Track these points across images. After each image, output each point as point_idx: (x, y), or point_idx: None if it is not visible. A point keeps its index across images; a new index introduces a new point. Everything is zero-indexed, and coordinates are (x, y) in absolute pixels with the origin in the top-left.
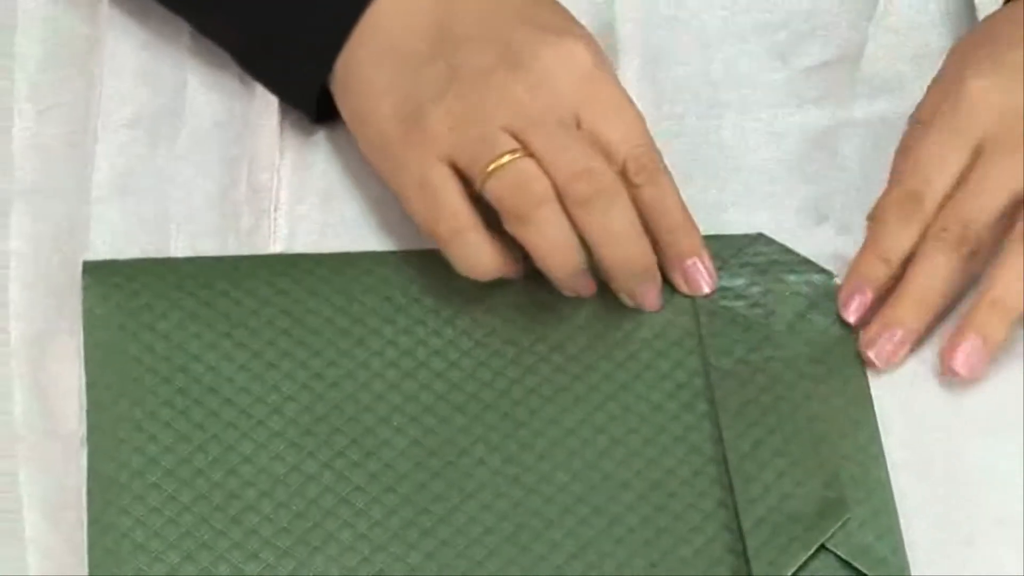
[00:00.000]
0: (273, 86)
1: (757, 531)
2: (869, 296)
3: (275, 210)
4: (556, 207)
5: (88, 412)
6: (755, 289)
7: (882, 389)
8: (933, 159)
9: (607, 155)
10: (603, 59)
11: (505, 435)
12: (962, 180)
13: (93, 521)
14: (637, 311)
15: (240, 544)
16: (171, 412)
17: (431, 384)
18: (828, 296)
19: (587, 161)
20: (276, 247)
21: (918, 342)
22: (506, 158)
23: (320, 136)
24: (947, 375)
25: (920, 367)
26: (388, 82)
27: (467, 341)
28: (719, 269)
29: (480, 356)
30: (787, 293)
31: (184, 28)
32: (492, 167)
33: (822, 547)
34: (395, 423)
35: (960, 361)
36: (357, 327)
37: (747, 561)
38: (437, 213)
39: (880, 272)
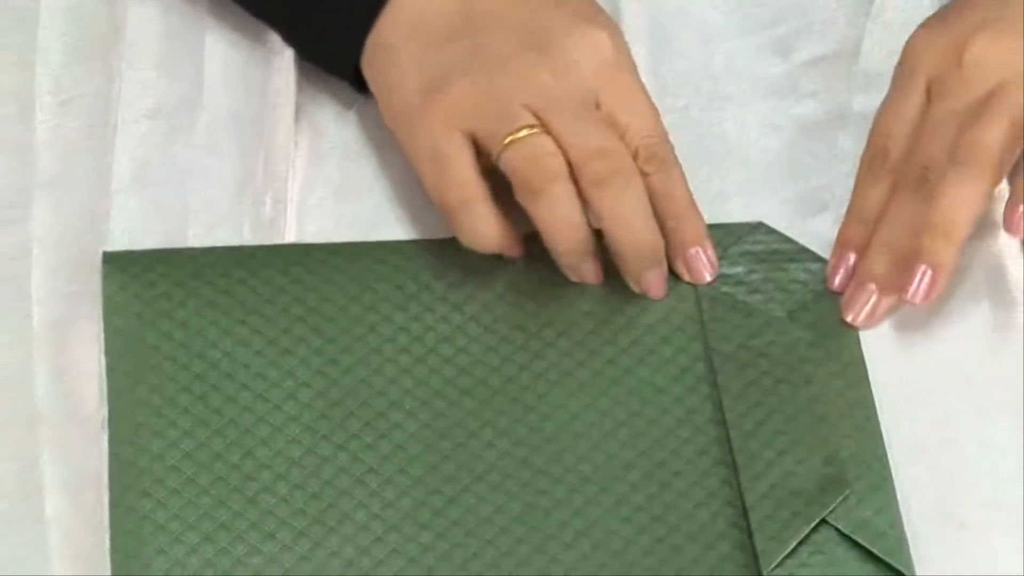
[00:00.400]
0: (308, 58)
1: (760, 506)
2: (852, 260)
3: (290, 200)
4: (568, 185)
5: (108, 398)
6: (755, 276)
7: (878, 371)
8: (890, 111)
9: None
10: (625, 49)
11: (513, 419)
12: (919, 124)
13: (115, 503)
14: (641, 298)
15: (257, 524)
16: (189, 397)
17: (441, 369)
18: (826, 283)
19: (604, 141)
20: (290, 236)
21: (895, 293)
22: (524, 132)
23: (335, 128)
24: (908, 305)
25: (916, 349)
26: (415, 57)
27: (475, 327)
28: (720, 257)
29: (488, 342)
30: (786, 280)
31: (204, 14)
32: (509, 139)
33: (823, 521)
34: (407, 407)
35: (914, 291)
36: (369, 314)
37: (750, 535)
38: (447, 182)
39: (858, 233)
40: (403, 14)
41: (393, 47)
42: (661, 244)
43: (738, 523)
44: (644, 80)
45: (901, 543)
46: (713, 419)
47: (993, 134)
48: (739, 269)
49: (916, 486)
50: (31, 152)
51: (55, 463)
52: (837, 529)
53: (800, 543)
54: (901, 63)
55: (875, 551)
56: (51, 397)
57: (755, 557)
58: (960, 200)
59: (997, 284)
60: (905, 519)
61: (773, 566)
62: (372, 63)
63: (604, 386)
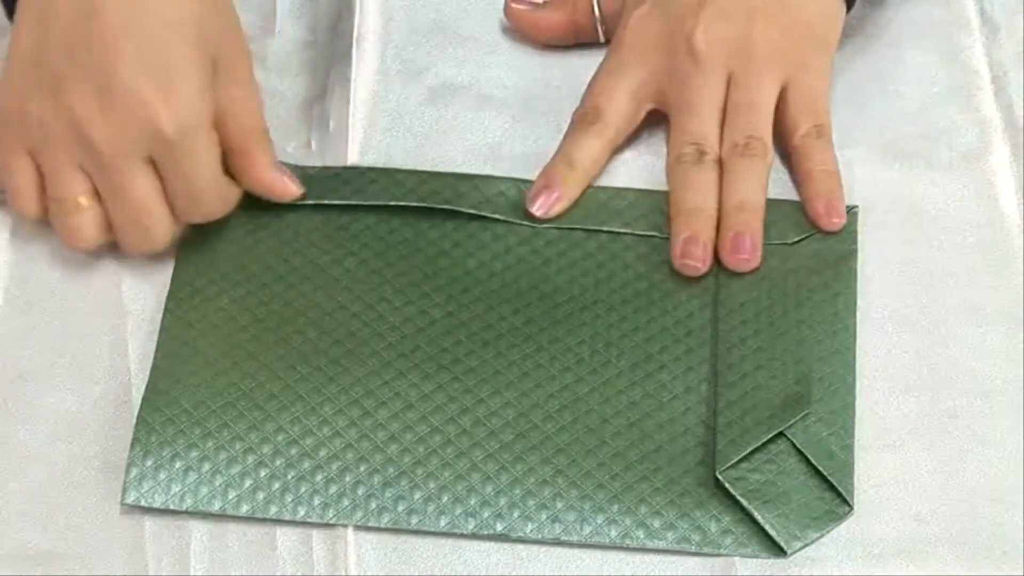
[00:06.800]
0: None
1: (728, 411)
2: (555, 196)
3: (352, 115)
4: None
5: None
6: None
7: (879, 277)
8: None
9: None
10: None
11: (529, 300)
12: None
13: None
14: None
15: (284, 357)
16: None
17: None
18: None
19: None
20: (354, 150)
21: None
22: None
23: (395, 51)
24: (732, 269)
25: (913, 257)
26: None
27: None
28: None
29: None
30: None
31: None
32: None
33: (780, 434)
34: (435, 300)
35: (735, 261)
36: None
37: (715, 434)
38: None
39: (561, 172)
40: None
41: None
42: None
43: (707, 422)
44: None
45: (846, 466)
46: (710, 326)
47: (763, 125)
48: None
49: (911, 382)
50: None
51: (140, 351)
52: (792, 443)
53: (756, 450)
54: (619, 41)
55: (820, 468)
56: (135, 292)
57: (714, 455)
58: (754, 183)
59: (990, 199)
60: (900, 413)
61: (726, 466)
62: None
63: (616, 284)
